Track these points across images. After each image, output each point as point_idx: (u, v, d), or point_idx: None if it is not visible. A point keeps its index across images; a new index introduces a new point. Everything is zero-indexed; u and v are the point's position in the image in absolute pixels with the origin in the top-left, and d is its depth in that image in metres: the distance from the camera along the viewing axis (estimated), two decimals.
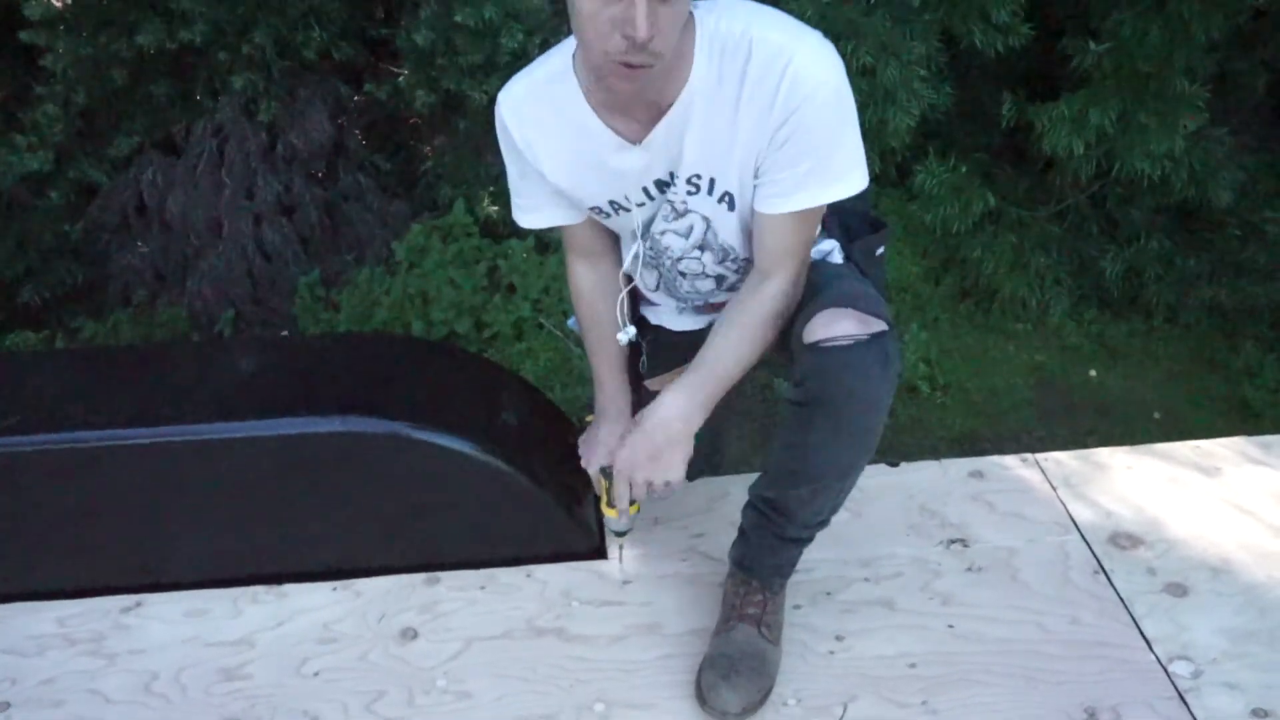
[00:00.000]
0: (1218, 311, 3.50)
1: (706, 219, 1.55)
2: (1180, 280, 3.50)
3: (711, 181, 1.49)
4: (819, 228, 1.58)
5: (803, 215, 1.48)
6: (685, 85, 1.40)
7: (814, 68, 1.37)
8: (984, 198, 3.36)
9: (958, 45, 3.25)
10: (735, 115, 1.40)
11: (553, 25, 3.26)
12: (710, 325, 1.59)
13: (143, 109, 3.54)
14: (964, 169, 3.40)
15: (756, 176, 1.46)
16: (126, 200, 3.63)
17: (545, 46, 3.29)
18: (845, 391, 1.42)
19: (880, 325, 1.42)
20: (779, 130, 1.39)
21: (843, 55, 3.27)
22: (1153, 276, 3.49)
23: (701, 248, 1.59)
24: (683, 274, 1.65)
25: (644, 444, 1.55)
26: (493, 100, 3.18)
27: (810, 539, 1.66)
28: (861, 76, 3.11)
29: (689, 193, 1.51)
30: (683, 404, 1.53)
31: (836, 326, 1.41)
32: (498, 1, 3.09)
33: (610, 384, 1.80)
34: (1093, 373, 3.39)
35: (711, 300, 1.71)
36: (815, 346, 1.42)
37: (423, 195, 3.84)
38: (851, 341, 1.40)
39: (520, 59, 3.21)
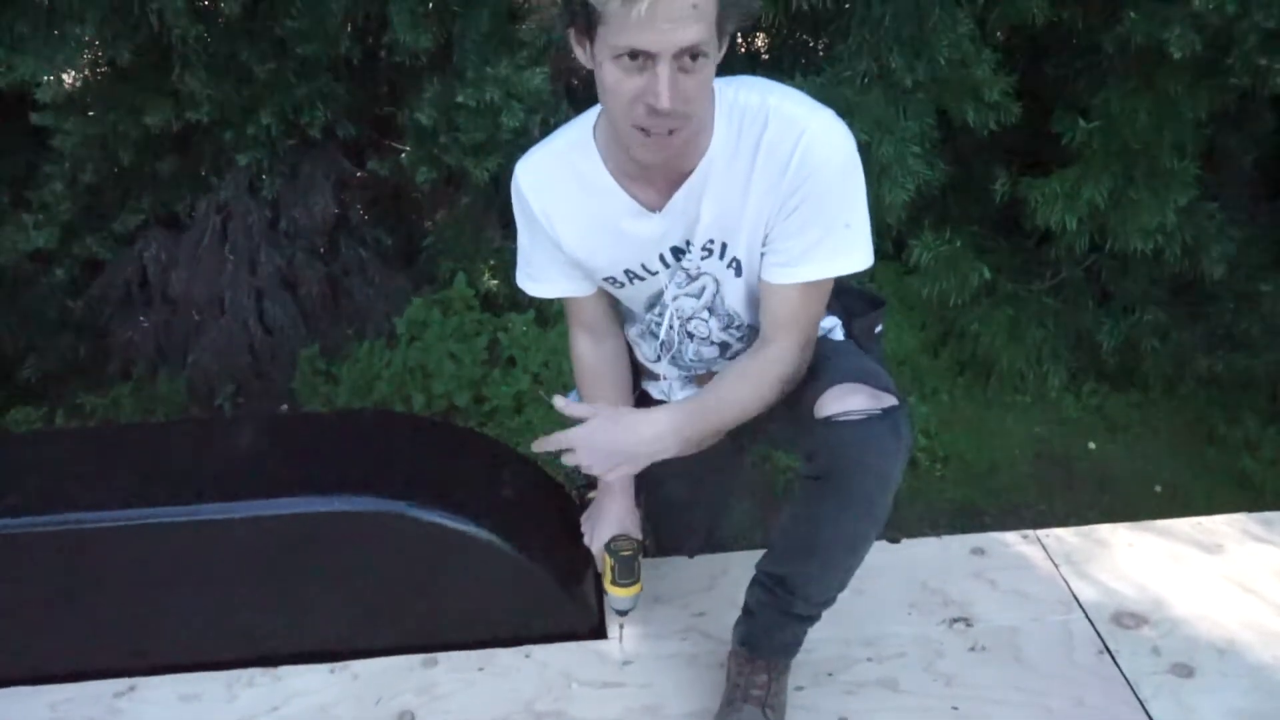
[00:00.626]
0: (1215, 383, 3.51)
1: (717, 281, 1.57)
2: (1177, 352, 3.51)
3: (724, 246, 1.52)
4: (825, 302, 1.60)
5: (808, 287, 1.50)
6: (705, 153, 1.44)
7: (826, 140, 1.41)
8: (979, 271, 3.38)
9: (951, 122, 3.31)
10: (748, 182, 1.44)
11: (552, 105, 3.32)
12: None
13: (148, 186, 3.59)
14: (959, 243, 3.43)
15: (764, 245, 1.49)
16: (130, 276, 3.66)
17: (545, 125, 3.36)
18: (858, 465, 1.43)
19: (891, 400, 1.44)
20: (789, 199, 1.43)
21: None
22: (1149, 349, 3.51)
23: (710, 310, 1.62)
24: (690, 335, 1.67)
25: (609, 439, 1.48)
26: (494, 177, 3.25)
27: (817, 617, 1.65)
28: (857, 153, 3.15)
29: (703, 256, 1.54)
30: (664, 430, 1.48)
31: (849, 401, 1.43)
32: (499, 82, 3.15)
33: None
34: (1092, 445, 3.39)
35: (714, 369, 1.72)
36: (828, 421, 1.43)
37: (423, 269, 3.87)
38: (864, 416, 1.41)
39: (521, 137, 3.26)
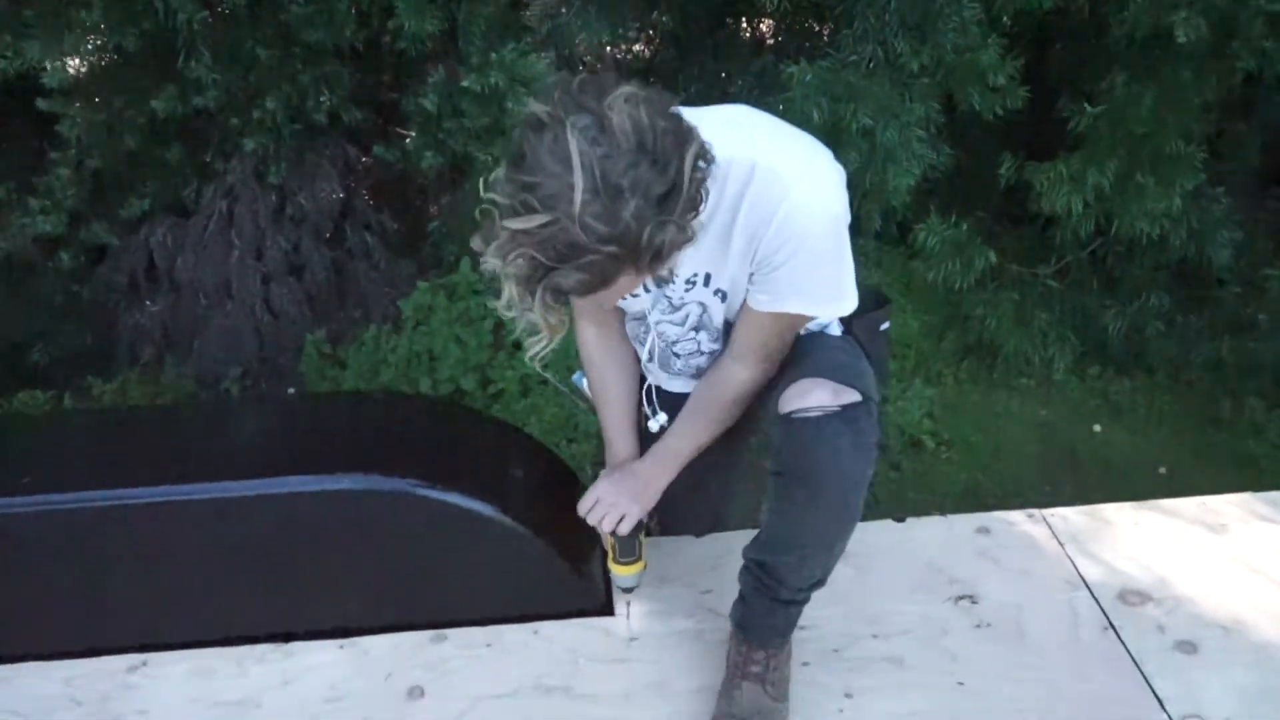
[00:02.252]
0: (1220, 368, 3.52)
1: (703, 304, 1.58)
2: (1182, 337, 3.52)
3: (708, 276, 1.52)
4: (796, 335, 1.58)
5: (784, 317, 1.50)
6: None
7: (808, 207, 1.37)
8: (985, 255, 3.39)
9: (956, 107, 3.31)
10: (730, 234, 1.42)
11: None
12: None
13: (154, 172, 3.60)
14: (964, 227, 3.44)
15: (751, 281, 1.48)
16: (136, 262, 3.67)
17: None
18: (816, 464, 1.43)
19: (853, 396, 1.43)
20: (771, 257, 1.41)
21: (842, 117, 3.30)
22: (1155, 333, 3.51)
23: (698, 328, 1.63)
24: (677, 355, 1.70)
25: (615, 491, 1.73)
26: (499, 162, 3.26)
27: (806, 599, 1.66)
28: (861, 138, 3.16)
29: (686, 289, 1.55)
30: (649, 470, 1.72)
31: (809, 397, 1.43)
32: (503, 68, 3.15)
33: (618, 442, 1.82)
34: (1097, 428, 3.39)
35: (705, 368, 1.73)
36: (788, 417, 1.44)
37: (429, 254, 3.88)
38: (821, 413, 1.41)
39: None
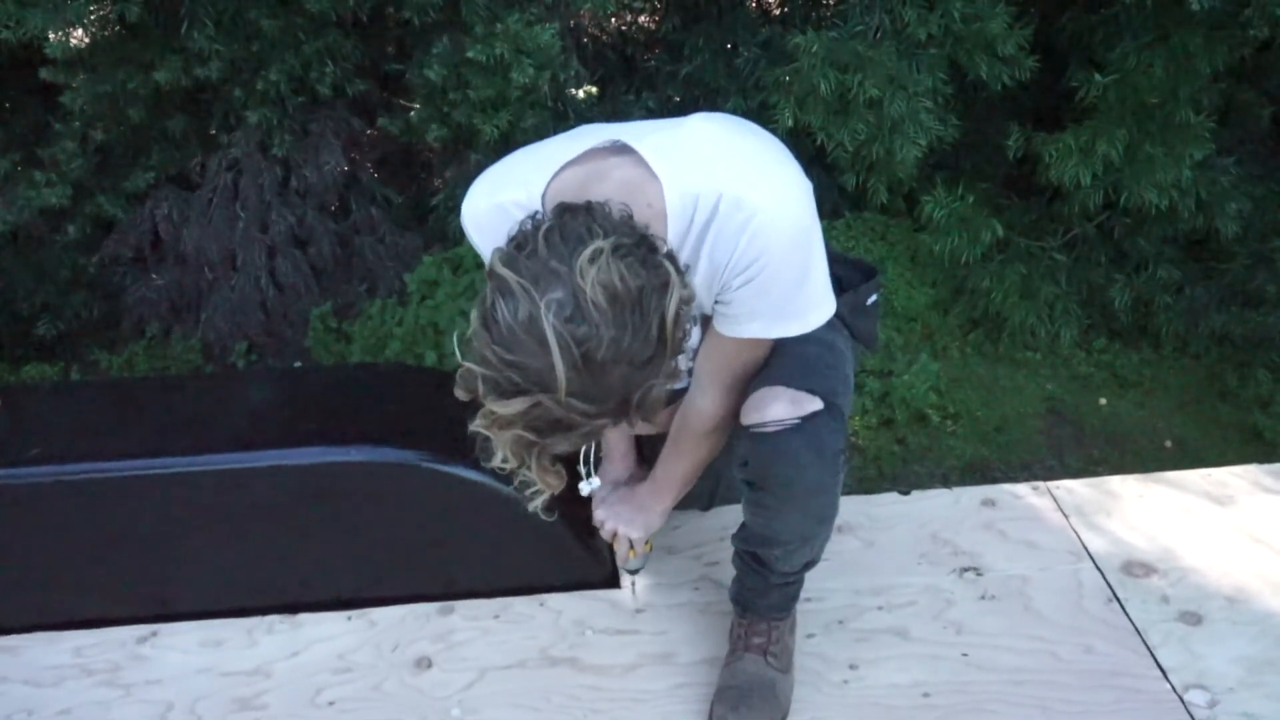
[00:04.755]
0: (1228, 340, 3.50)
1: None
2: (1189, 309, 3.50)
3: None
4: (763, 358, 1.54)
5: (743, 343, 1.48)
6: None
7: (772, 223, 1.33)
8: (992, 228, 3.37)
9: (964, 77, 3.28)
10: (696, 267, 1.39)
11: (562, 61, 3.31)
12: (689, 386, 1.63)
13: (159, 144, 3.59)
14: (971, 199, 3.41)
15: (716, 302, 1.46)
16: (142, 234, 3.67)
17: (555, 82, 3.34)
18: (780, 478, 1.45)
19: (814, 405, 1.42)
20: (735, 278, 1.38)
21: (849, 88, 3.26)
22: (1162, 305, 3.50)
23: None
24: None
25: (618, 511, 1.79)
26: (504, 134, 3.24)
27: (800, 579, 1.67)
28: (868, 109, 3.14)
29: None
30: (644, 496, 1.76)
31: (768, 410, 1.43)
32: (508, 38, 3.13)
33: (615, 454, 1.87)
34: (1103, 401, 3.39)
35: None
36: (749, 431, 1.44)
37: (434, 227, 3.87)
38: (780, 428, 1.41)
39: (531, 94, 3.25)
